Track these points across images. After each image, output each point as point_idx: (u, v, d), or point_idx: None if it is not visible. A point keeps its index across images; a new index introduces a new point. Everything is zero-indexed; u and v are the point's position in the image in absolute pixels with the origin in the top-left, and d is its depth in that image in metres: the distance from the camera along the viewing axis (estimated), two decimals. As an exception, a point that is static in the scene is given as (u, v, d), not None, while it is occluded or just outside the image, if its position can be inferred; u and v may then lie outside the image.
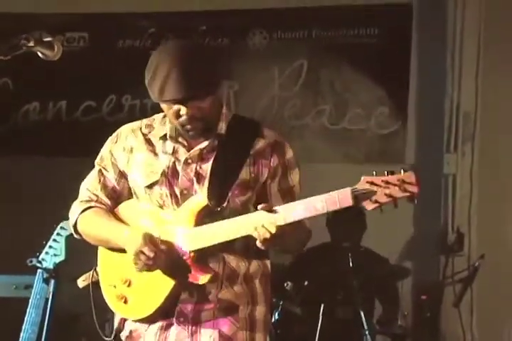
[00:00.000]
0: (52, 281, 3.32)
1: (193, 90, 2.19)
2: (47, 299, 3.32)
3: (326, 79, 4.88)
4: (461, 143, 4.74)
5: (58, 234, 3.36)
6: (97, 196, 2.40)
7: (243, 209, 2.25)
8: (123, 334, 2.38)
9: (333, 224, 4.31)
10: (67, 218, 3.18)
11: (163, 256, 2.21)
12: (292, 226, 2.14)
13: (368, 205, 2.01)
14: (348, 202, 2.02)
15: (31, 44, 2.01)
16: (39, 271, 3.33)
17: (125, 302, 2.31)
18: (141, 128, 2.38)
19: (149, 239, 2.22)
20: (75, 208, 2.42)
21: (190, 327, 2.28)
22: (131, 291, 2.31)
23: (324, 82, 4.88)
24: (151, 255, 2.19)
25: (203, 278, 2.21)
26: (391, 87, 4.79)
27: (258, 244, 2.13)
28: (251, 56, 4.91)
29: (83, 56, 5.01)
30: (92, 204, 2.39)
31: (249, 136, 2.32)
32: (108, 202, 2.39)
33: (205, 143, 2.30)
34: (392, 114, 4.81)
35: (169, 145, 2.34)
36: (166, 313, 2.29)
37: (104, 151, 2.43)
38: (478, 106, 4.73)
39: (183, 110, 2.22)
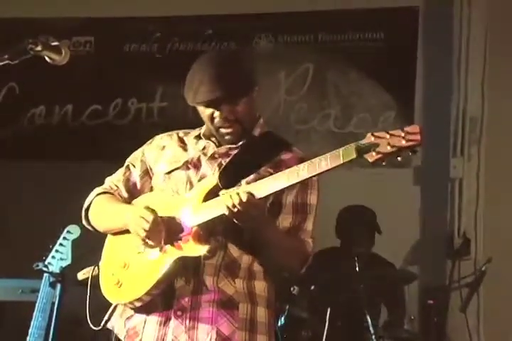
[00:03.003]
0: (59, 285, 3.32)
1: (224, 91, 2.24)
2: (53, 303, 3.32)
3: (332, 83, 4.89)
4: (468, 148, 4.74)
5: (64, 238, 3.38)
6: (117, 187, 2.45)
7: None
8: (121, 335, 2.36)
9: (343, 230, 4.28)
10: (73, 222, 3.31)
11: (162, 225, 2.21)
12: (280, 230, 2.18)
13: (370, 157, 1.99)
14: (352, 154, 2.01)
15: (39, 48, 2.02)
16: (45, 275, 3.34)
17: (120, 286, 2.31)
18: (178, 133, 2.47)
19: (149, 208, 2.24)
20: (93, 192, 2.47)
21: (187, 322, 2.26)
22: (127, 274, 2.31)
23: (330, 86, 4.89)
24: (150, 218, 2.20)
25: (199, 249, 2.18)
26: (397, 91, 4.80)
27: (225, 211, 2.11)
28: (257, 60, 4.90)
29: (89, 60, 5.03)
30: (111, 191, 2.44)
31: (277, 147, 2.36)
32: (126, 195, 2.43)
33: (238, 144, 2.36)
34: (398, 118, 4.81)
35: (201, 143, 2.39)
36: (161, 302, 2.27)
37: (137, 151, 2.50)
38: (485, 111, 4.71)
39: (216, 112, 2.28)
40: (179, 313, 2.26)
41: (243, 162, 2.29)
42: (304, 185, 2.30)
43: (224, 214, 2.15)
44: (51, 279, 3.33)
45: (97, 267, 2.41)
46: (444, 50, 4.77)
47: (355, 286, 3.76)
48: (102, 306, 2.40)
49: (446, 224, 4.79)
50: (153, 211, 2.24)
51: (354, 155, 2.00)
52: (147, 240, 2.25)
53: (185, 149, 2.40)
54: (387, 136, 1.98)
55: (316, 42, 4.91)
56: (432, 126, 4.77)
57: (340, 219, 4.30)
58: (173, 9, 5.03)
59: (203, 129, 2.41)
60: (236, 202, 2.09)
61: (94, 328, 2.36)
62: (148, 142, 2.50)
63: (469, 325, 4.43)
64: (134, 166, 2.46)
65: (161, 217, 2.25)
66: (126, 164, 2.49)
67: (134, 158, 2.49)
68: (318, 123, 4.90)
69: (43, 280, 3.34)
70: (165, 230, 2.22)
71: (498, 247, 4.56)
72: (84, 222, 2.46)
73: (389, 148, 1.97)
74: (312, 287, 3.82)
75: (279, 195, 2.27)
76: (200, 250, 2.20)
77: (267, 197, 2.20)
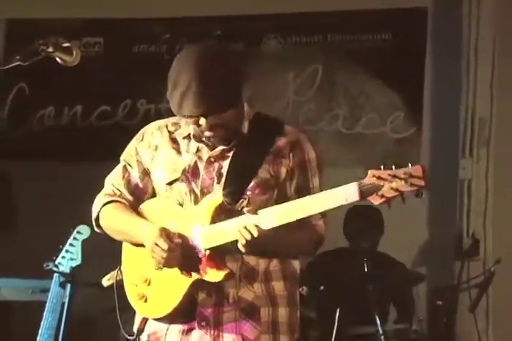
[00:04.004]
0: (69, 285, 3.34)
1: (212, 106, 2.17)
2: (63, 303, 3.34)
3: (341, 84, 4.88)
4: (477, 148, 4.72)
5: (75, 238, 3.39)
6: (120, 191, 2.41)
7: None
8: (142, 337, 2.37)
9: (351, 229, 4.29)
10: (83, 222, 3.32)
11: (178, 250, 2.21)
12: (287, 229, 2.13)
13: (375, 200, 1.98)
14: (355, 196, 2.00)
15: (50, 49, 2.03)
16: (55, 275, 3.35)
17: (145, 301, 2.32)
18: (167, 126, 2.37)
19: (165, 233, 2.22)
20: (98, 201, 2.42)
21: (212, 331, 2.27)
22: (150, 290, 2.31)
23: (339, 87, 4.88)
24: (165, 247, 2.19)
25: (217, 275, 2.19)
26: (406, 91, 4.79)
27: (240, 246, 2.13)
28: (265, 61, 4.91)
29: (98, 61, 5.03)
30: (115, 198, 2.40)
31: (270, 134, 2.30)
32: (130, 198, 2.40)
33: (230, 145, 2.30)
34: (407, 118, 4.81)
35: (193, 144, 2.33)
36: (185, 315, 2.28)
37: (130, 148, 2.43)
38: (494, 111, 4.68)
39: (203, 121, 2.21)
40: (203, 324, 2.28)
41: (241, 167, 2.26)
42: (302, 170, 2.29)
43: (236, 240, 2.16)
44: (61, 279, 3.34)
45: (119, 271, 2.40)
46: (453, 50, 4.75)
47: (364, 286, 3.75)
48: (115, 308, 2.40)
49: (454, 225, 4.78)
50: (167, 235, 2.22)
51: (357, 198, 1.99)
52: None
53: (179, 152, 2.34)
54: (389, 178, 1.95)
55: (324, 42, 4.91)
56: (440, 127, 4.79)
57: (347, 219, 4.30)
58: (181, 10, 5.04)
59: (192, 129, 2.30)
60: (248, 237, 2.11)
61: (129, 338, 2.36)
62: (139, 138, 2.42)
63: (478, 326, 4.37)
64: (131, 166, 2.41)
65: (176, 235, 2.24)
66: (122, 164, 2.43)
67: (129, 156, 2.43)
68: (326, 123, 4.90)
69: (53, 280, 3.35)
70: (180, 256, 2.22)
71: (508, 248, 4.54)
72: (97, 230, 2.44)
73: (392, 192, 1.95)
74: (321, 287, 3.81)
75: (282, 189, 2.28)
76: (218, 276, 2.21)
77: (267, 193, 2.24)
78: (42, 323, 3.30)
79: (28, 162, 4.93)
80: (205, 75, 2.16)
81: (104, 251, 2.50)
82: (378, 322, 3.68)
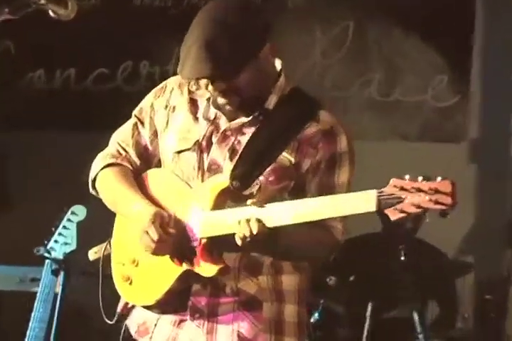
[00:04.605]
0: (62, 273, 3.36)
1: (215, 69, 2.14)
2: (56, 293, 3.36)
3: (375, 44, 4.85)
4: (534, 120, 4.78)
5: (69, 219, 3.40)
6: (126, 152, 2.43)
7: (279, 200, 2.20)
8: (130, 327, 2.40)
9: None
10: (78, 202, 3.34)
11: (169, 241, 2.22)
12: (297, 229, 2.11)
13: (393, 214, 1.96)
14: (371, 207, 1.97)
15: (43, 1, 2.04)
16: (47, 261, 3.37)
17: (130, 283, 2.34)
18: (189, 87, 2.33)
19: (158, 219, 2.22)
20: (99, 161, 2.44)
21: (205, 324, 2.29)
22: (137, 273, 2.34)
23: (373, 47, 4.85)
24: (155, 237, 2.20)
25: (210, 269, 2.19)
26: (451, 52, 4.74)
27: (236, 239, 2.12)
28: (289, 16, 4.86)
29: (95, 16, 4.91)
30: (119, 160, 2.42)
31: (300, 117, 2.28)
32: (137, 161, 2.42)
33: (249, 118, 2.29)
34: (452, 83, 4.78)
35: (212, 110, 2.33)
36: (176, 304, 2.30)
37: (145, 104, 2.44)
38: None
39: (210, 86, 2.20)
40: (196, 315, 2.30)
41: (260, 148, 2.25)
42: (330, 164, 2.27)
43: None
44: (53, 266, 3.36)
45: (109, 244, 2.43)
46: (507, 3, 4.72)
47: (401, 278, 3.80)
48: (115, 295, 2.42)
49: (505, 209, 4.77)
50: (161, 223, 2.22)
51: (374, 209, 1.96)
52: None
53: (196, 117, 2.34)
54: (413, 191, 1.92)
55: (357, -4, 4.87)
56: (491, 94, 4.76)
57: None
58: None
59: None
60: (246, 233, 2.09)
61: (109, 322, 2.40)
62: (157, 92, 2.42)
63: (531, 322, 4.45)
64: (143, 125, 2.43)
65: (172, 220, 2.24)
66: (133, 120, 2.44)
67: (144, 112, 2.43)
68: (358, 89, 4.87)
69: (45, 268, 3.37)
70: (172, 244, 2.23)
71: None
72: (92, 192, 2.48)
73: (413, 208, 1.94)
74: (351, 277, 3.83)
75: (301, 181, 2.27)
76: (210, 271, 2.20)
77: (281, 182, 2.24)
78: (32, 316, 3.33)
79: (14, 132, 4.90)
80: (217, 28, 2.16)
81: (103, 235, 2.50)
82: (417, 319, 3.71)
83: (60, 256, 3.36)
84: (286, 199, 2.19)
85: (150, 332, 2.35)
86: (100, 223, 2.51)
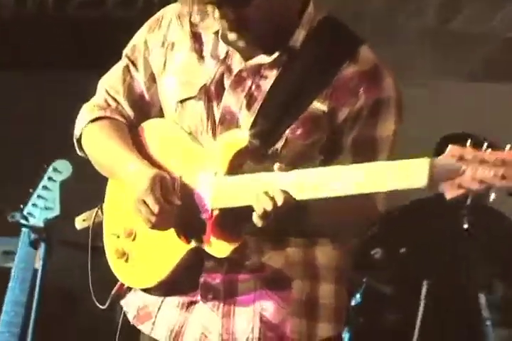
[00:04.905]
0: (43, 245, 3.33)
1: None
2: (35, 269, 3.33)
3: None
4: None
5: (50, 178, 3.35)
6: (117, 102, 2.36)
7: (306, 158, 2.18)
8: (128, 311, 2.35)
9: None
10: (60, 156, 3.27)
11: (173, 212, 2.16)
12: (332, 203, 2.03)
13: (449, 191, 1.83)
14: (422, 181, 1.84)
15: None
16: (24, 230, 3.35)
17: (126, 260, 2.31)
18: (191, 19, 2.31)
19: (159, 184, 2.15)
20: (84, 115, 2.38)
21: (220, 307, 2.24)
22: (134, 247, 2.30)
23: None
24: (155, 209, 2.13)
25: (223, 249, 2.13)
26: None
27: (254, 218, 2.04)
28: None
29: None
30: (108, 113, 2.35)
31: (336, 56, 2.20)
32: (131, 113, 2.36)
33: (271, 57, 2.19)
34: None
35: (222, 46, 2.25)
36: (180, 285, 2.26)
37: (138, 40, 2.38)
38: None
39: (217, 13, 2.15)
40: (210, 296, 2.24)
41: (284, 97, 2.19)
42: (372, 112, 2.19)
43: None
44: (32, 236, 3.32)
45: (100, 211, 2.39)
46: None
47: (463, 251, 3.75)
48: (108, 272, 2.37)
49: None
50: (162, 189, 2.15)
51: (424, 183, 1.83)
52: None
53: (201, 56, 2.27)
54: (476, 160, 1.80)
55: None
56: None
57: (438, 154, 4.05)
58: None
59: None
60: (268, 207, 2.01)
61: (100, 306, 2.36)
62: (152, 25, 2.35)
63: None
64: (137, 68, 2.37)
65: (176, 187, 2.18)
66: (124, 62, 2.38)
67: (136, 51, 2.37)
68: (408, 17, 4.86)
69: (21, 238, 3.33)
70: (177, 216, 2.17)
71: None
72: (80, 153, 2.41)
73: (474, 183, 1.81)
74: (402, 250, 3.79)
75: (335, 135, 2.21)
76: (223, 250, 2.14)
77: (312, 136, 2.18)
78: (6, 298, 3.30)
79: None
80: None
81: (93, 198, 2.40)
82: (484, 301, 3.64)
83: (40, 224, 3.32)
84: (317, 158, 2.18)
85: (153, 317, 2.31)
86: (89, 182, 2.47)
